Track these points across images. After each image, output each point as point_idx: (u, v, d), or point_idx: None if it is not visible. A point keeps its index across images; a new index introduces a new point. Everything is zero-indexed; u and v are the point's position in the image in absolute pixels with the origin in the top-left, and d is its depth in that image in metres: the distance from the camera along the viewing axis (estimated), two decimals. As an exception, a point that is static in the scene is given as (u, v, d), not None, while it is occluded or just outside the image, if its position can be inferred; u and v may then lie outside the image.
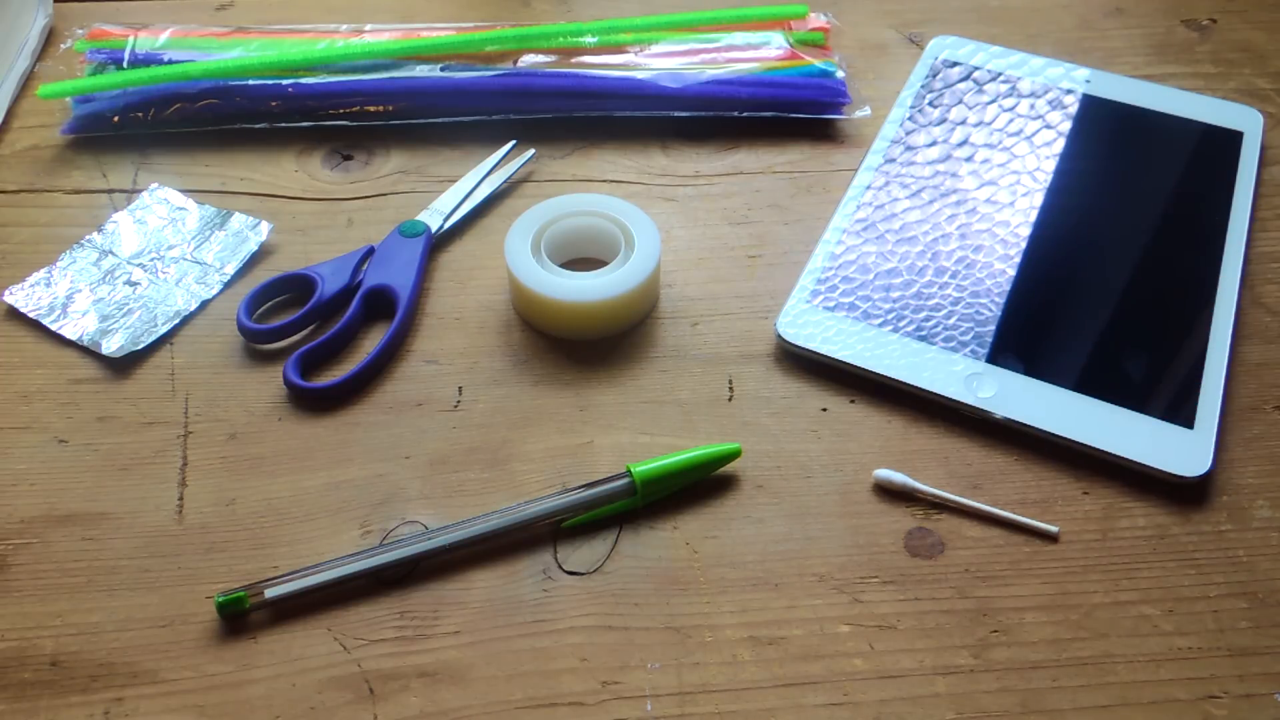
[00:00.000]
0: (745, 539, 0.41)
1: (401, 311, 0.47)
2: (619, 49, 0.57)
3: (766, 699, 0.37)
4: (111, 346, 0.46)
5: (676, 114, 0.55)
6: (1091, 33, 0.62)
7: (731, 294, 0.49)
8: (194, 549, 0.40)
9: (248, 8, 0.63)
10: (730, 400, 0.45)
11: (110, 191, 0.53)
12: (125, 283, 0.49)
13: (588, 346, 0.47)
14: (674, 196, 0.53)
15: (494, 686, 0.37)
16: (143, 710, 0.36)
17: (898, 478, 0.42)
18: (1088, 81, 0.57)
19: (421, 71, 0.56)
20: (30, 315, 0.47)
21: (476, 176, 0.53)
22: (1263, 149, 0.54)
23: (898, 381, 0.44)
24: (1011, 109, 0.56)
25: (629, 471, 0.41)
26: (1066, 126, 0.55)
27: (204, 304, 0.48)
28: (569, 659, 0.37)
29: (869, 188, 0.52)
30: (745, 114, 0.56)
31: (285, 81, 0.54)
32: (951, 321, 0.46)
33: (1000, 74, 0.58)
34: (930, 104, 0.56)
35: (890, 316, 0.47)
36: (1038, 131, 0.55)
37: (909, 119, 0.55)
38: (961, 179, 0.53)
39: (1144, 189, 0.53)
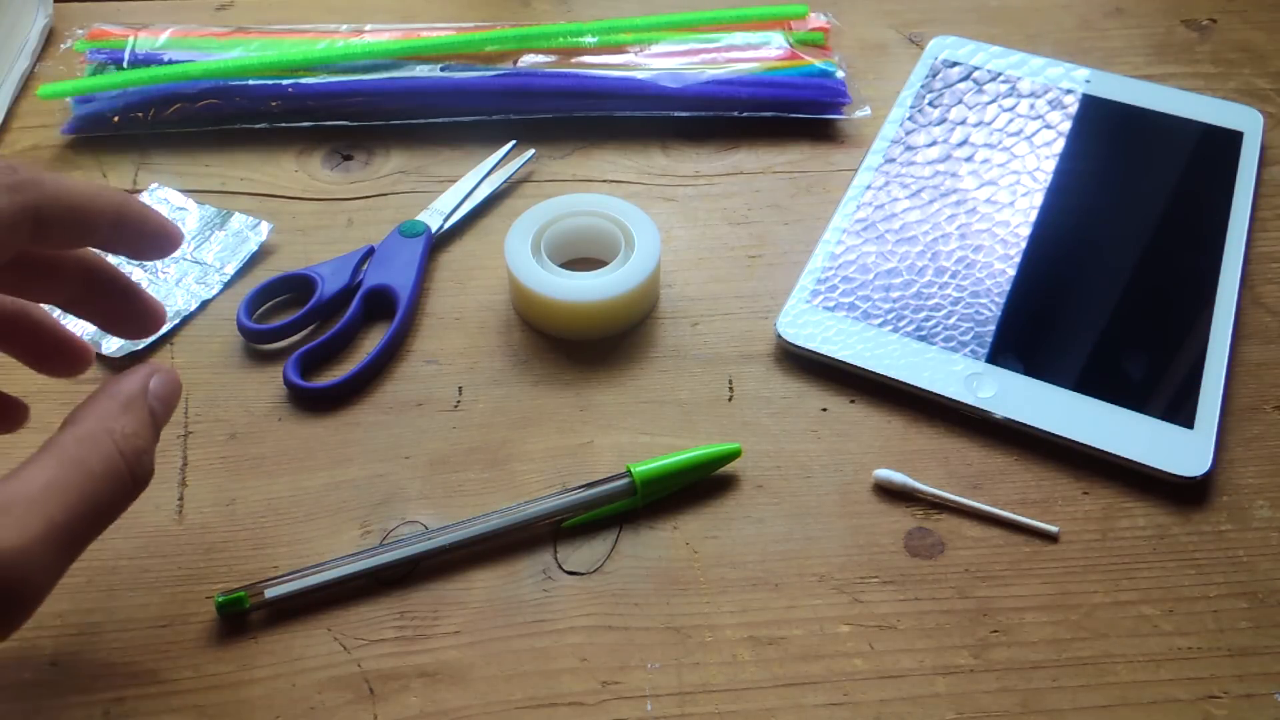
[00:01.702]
0: (745, 539, 0.41)
1: (401, 311, 0.47)
2: (619, 49, 0.57)
3: (766, 699, 0.37)
4: (111, 346, 0.46)
5: (676, 114, 0.55)
6: (1091, 33, 0.62)
7: (731, 294, 0.49)
8: (194, 549, 0.40)
9: (248, 8, 0.63)
10: (730, 400, 0.45)
11: (110, 191, 0.53)
12: (125, 283, 0.49)
13: (588, 346, 0.47)
14: (674, 196, 0.53)
15: (494, 686, 0.37)
16: (143, 710, 0.36)
17: (898, 478, 0.42)
18: (1088, 81, 0.57)
19: (421, 71, 0.56)
20: (30, 315, 0.47)
21: (476, 176, 0.53)
22: (1263, 149, 0.54)
23: (898, 381, 0.44)
24: (1011, 109, 0.56)
25: (629, 471, 0.41)
26: (1066, 126, 0.55)
27: (204, 304, 0.48)
28: (569, 659, 0.37)
29: (869, 188, 0.52)
30: (745, 114, 0.56)
31: (285, 81, 0.54)
32: (951, 321, 0.46)
33: (1000, 74, 0.58)
34: (930, 104, 0.56)
35: (890, 316, 0.47)
36: (1038, 131, 0.55)
37: (909, 119, 0.55)
38: (961, 179, 0.53)
39: (1144, 189, 0.53)
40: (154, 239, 0.34)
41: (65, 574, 0.29)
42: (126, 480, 0.30)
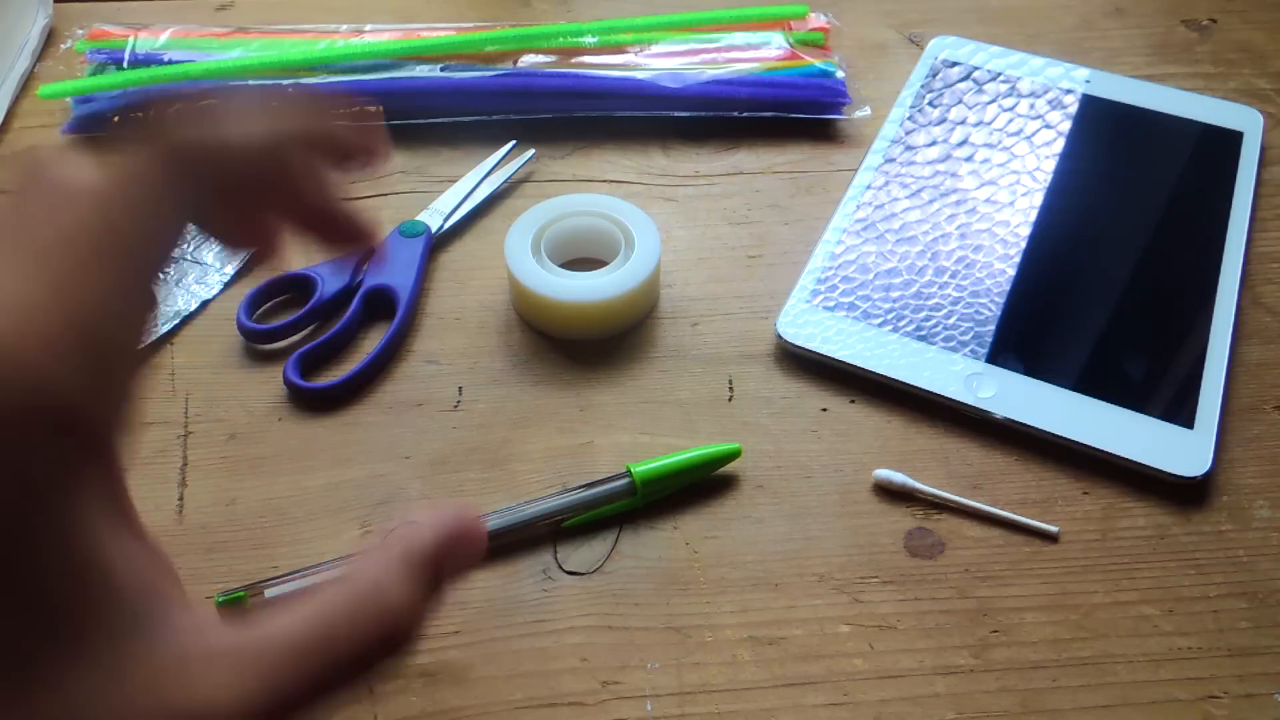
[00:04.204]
0: (745, 539, 0.41)
1: (401, 311, 0.47)
2: (619, 49, 0.57)
3: (766, 699, 0.37)
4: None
5: (676, 114, 0.55)
6: (1091, 33, 0.62)
7: (731, 294, 0.49)
8: (194, 549, 0.40)
9: (248, 8, 0.63)
10: (730, 400, 0.45)
11: (110, 191, 0.53)
12: (125, 283, 0.49)
13: (588, 346, 0.47)
14: (674, 196, 0.53)
15: (494, 686, 0.37)
16: (143, 710, 0.36)
17: (898, 478, 0.42)
18: (1088, 81, 0.57)
19: (421, 71, 0.56)
20: (30, 315, 0.47)
21: (476, 176, 0.53)
22: (1263, 149, 0.54)
23: (898, 381, 0.44)
24: (1011, 109, 0.56)
25: (629, 471, 0.41)
26: (1066, 126, 0.55)
27: (204, 304, 0.48)
28: (569, 659, 0.37)
29: (869, 188, 0.52)
30: (745, 114, 0.56)
31: (285, 81, 0.54)
32: (951, 321, 0.46)
33: (1000, 74, 0.58)
34: (930, 104, 0.56)
35: (890, 316, 0.47)
36: (1038, 131, 0.55)
37: (909, 119, 0.55)
38: (961, 179, 0.53)
39: (1144, 189, 0.53)
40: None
41: None
42: (375, 648, 0.25)
